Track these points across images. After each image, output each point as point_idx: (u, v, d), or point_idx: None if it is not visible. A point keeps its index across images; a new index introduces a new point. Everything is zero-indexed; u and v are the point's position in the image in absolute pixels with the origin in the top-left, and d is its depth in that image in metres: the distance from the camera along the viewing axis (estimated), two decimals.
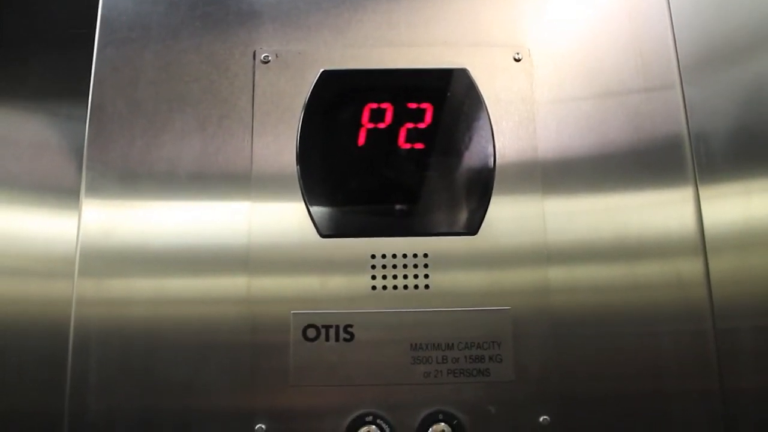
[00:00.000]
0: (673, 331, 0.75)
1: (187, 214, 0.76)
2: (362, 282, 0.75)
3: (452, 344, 0.74)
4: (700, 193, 0.78)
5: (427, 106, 0.79)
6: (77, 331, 0.73)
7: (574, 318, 0.75)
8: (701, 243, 0.77)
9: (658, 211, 0.78)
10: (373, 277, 0.75)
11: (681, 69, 0.82)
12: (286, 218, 0.76)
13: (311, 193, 0.77)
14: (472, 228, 0.76)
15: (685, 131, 0.80)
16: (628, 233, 0.77)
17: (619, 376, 0.74)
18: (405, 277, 0.75)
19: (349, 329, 0.73)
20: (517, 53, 0.82)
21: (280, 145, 0.78)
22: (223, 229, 0.76)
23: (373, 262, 0.75)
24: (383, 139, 0.79)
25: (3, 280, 0.76)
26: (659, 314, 0.75)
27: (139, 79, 0.80)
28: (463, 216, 0.77)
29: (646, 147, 0.80)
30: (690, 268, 0.76)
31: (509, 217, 0.77)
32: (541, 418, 0.72)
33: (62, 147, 0.81)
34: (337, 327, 0.73)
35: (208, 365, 0.73)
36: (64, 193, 0.79)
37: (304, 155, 0.78)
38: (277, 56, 0.81)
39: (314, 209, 0.76)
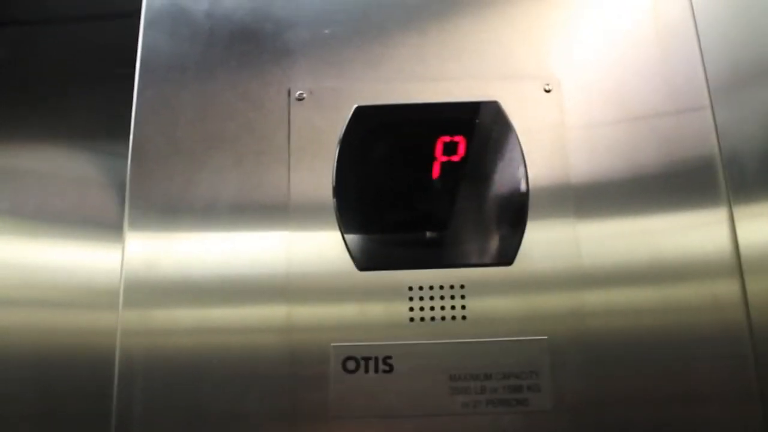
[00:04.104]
0: (712, 355, 0.74)
1: (227, 247, 0.78)
2: (400, 313, 0.76)
3: (490, 374, 0.74)
4: (735, 214, 0.78)
5: (459, 139, 0.80)
6: (122, 361, 0.75)
7: (611, 343, 0.75)
8: (737, 264, 0.76)
9: (693, 233, 0.78)
10: (411, 309, 0.76)
11: (711, 91, 0.83)
12: (324, 252, 0.77)
13: (348, 226, 0.78)
14: (508, 258, 0.77)
15: (717, 152, 0.80)
16: (663, 256, 0.77)
17: (657, 402, 0.73)
18: (442, 308, 0.76)
19: (389, 361, 0.74)
20: (547, 84, 0.83)
21: (316, 179, 0.80)
22: (262, 265, 0.77)
23: (411, 294, 0.76)
24: (418, 172, 0.80)
25: (49, 311, 0.79)
26: (697, 338, 0.75)
27: (178, 118, 0.82)
28: (498, 246, 0.78)
29: (678, 169, 0.80)
30: (727, 290, 0.76)
31: (544, 246, 0.77)
32: None
33: (104, 182, 0.83)
34: (376, 359, 0.74)
35: (250, 395, 0.74)
36: (106, 227, 0.81)
37: (340, 189, 0.79)
38: (311, 93, 0.82)
39: (351, 243, 0.78)
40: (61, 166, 0.85)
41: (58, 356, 0.77)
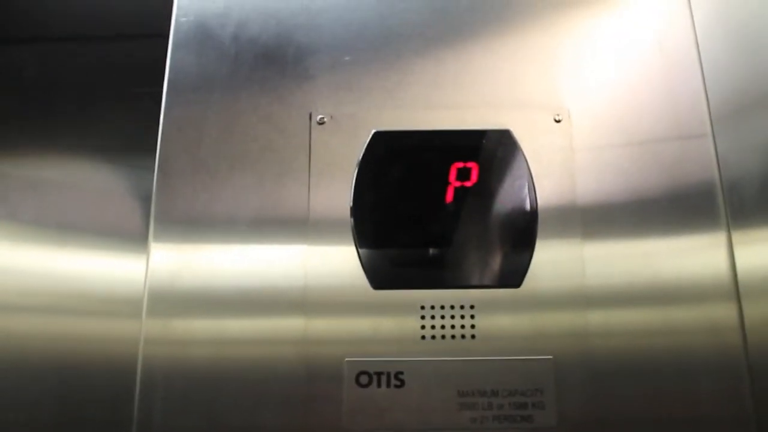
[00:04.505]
0: (709, 377, 0.77)
1: (247, 262, 0.81)
2: (412, 331, 0.79)
3: (497, 391, 0.77)
4: (733, 239, 0.80)
5: (472, 165, 0.83)
6: (144, 370, 0.77)
7: (613, 363, 0.77)
8: (735, 289, 0.79)
9: (693, 257, 0.80)
10: (423, 327, 0.79)
11: (712, 120, 0.85)
12: (341, 271, 0.80)
13: (364, 246, 0.81)
14: (516, 280, 0.80)
15: (718, 179, 0.83)
16: (664, 278, 0.80)
17: (656, 422, 0.76)
18: (452, 327, 0.79)
19: (400, 376, 0.77)
20: (558, 114, 0.86)
21: (335, 200, 0.83)
22: (282, 278, 0.80)
23: (423, 312, 0.79)
24: (432, 196, 0.83)
25: (73, 319, 0.81)
26: (695, 360, 0.77)
27: (202, 138, 0.85)
28: (507, 269, 0.81)
29: (680, 194, 0.83)
30: (724, 313, 0.78)
31: (551, 269, 0.80)
32: None
33: (127, 195, 0.86)
34: (389, 374, 0.77)
35: (266, 407, 0.76)
36: (129, 238, 0.83)
37: (357, 210, 0.82)
38: (331, 118, 0.85)
39: (367, 262, 0.80)
40: (85, 178, 0.87)
41: (79, 364, 0.79)
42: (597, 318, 0.79)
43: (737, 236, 0.80)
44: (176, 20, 0.90)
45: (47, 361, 0.80)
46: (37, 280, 0.82)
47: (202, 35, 0.90)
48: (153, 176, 0.84)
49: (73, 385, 0.79)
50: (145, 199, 0.83)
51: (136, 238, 0.83)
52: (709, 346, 0.77)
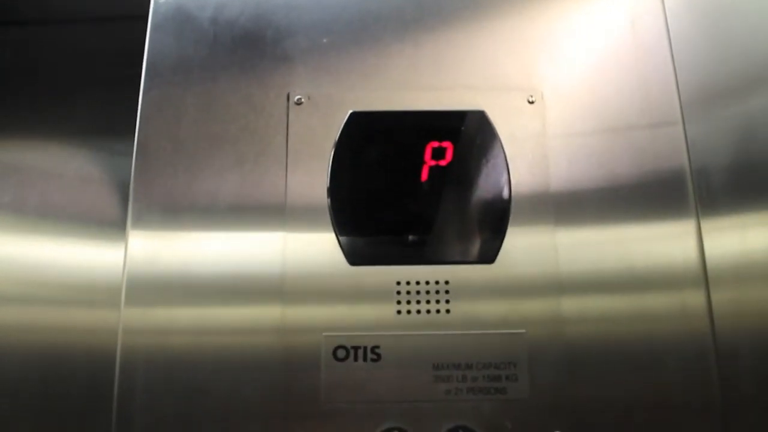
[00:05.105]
0: (677, 362, 0.78)
1: (226, 245, 0.82)
2: (388, 306, 0.80)
3: (471, 364, 0.78)
4: (702, 226, 0.82)
5: (447, 145, 0.85)
6: (123, 358, 0.77)
7: (585, 343, 0.79)
8: (703, 275, 0.80)
9: (662, 244, 0.82)
10: (398, 302, 0.80)
11: (683, 107, 0.87)
12: (318, 248, 0.81)
13: (341, 224, 0.82)
14: (490, 257, 0.81)
15: (687, 166, 0.85)
16: (634, 264, 0.81)
17: (627, 398, 0.78)
18: (428, 302, 0.80)
19: (377, 350, 0.78)
20: (531, 96, 0.87)
21: (312, 179, 0.84)
22: (260, 259, 0.81)
23: (398, 288, 0.80)
24: (408, 174, 0.84)
25: (50, 309, 0.81)
26: (663, 345, 0.79)
27: (181, 119, 0.86)
28: (481, 246, 0.83)
29: (650, 180, 0.84)
30: (693, 299, 0.80)
31: (524, 247, 0.82)
32: None
33: (106, 180, 0.86)
34: (365, 348, 0.78)
35: (247, 386, 0.77)
36: (107, 224, 0.84)
37: (334, 189, 0.83)
38: (309, 98, 0.86)
39: (343, 239, 0.82)
40: (63, 163, 0.87)
41: (60, 352, 0.80)
42: (569, 297, 0.80)
43: (706, 223, 0.82)
44: (154, 2, 0.91)
45: (28, 349, 0.80)
46: (15, 267, 0.83)
47: (181, 17, 0.90)
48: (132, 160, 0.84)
49: (53, 374, 0.79)
50: (126, 185, 0.83)
51: (114, 224, 0.83)
52: (678, 332, 0.79)
